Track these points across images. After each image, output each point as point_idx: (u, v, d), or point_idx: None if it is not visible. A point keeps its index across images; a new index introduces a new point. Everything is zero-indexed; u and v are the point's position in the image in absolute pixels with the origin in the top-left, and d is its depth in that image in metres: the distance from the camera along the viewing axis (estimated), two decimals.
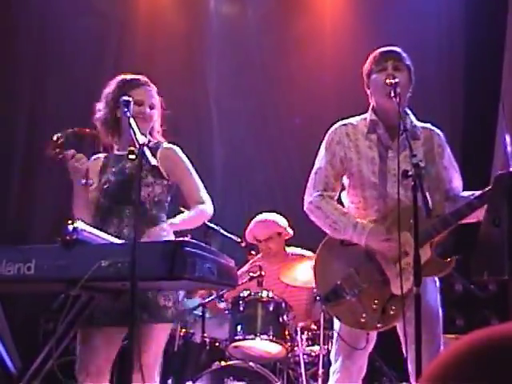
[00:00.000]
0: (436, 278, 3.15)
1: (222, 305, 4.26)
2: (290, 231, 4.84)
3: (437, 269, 2.99)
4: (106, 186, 3.14)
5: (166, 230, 2.98)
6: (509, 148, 2.81)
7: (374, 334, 3.11)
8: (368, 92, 3.22)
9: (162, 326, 3.02)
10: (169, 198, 3.22)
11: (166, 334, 3.11)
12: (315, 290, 3.18)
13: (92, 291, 2.56)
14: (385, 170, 3.06)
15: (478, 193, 2.95)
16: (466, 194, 3.14)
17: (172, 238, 2.98)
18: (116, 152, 3.26)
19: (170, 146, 3.26)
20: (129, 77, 3.28)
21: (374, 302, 2.99)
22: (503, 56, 6.00)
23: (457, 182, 3.19)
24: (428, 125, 3.27)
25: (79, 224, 2.51)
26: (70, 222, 2.51)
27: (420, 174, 2.62)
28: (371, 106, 3.20)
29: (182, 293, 3.18)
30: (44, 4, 6.24)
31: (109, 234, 2.81)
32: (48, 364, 2.55)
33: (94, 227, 2.69)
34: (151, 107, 3.22)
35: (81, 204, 3.07)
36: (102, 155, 3.29)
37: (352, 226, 3.01)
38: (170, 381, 4.25)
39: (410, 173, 2.66)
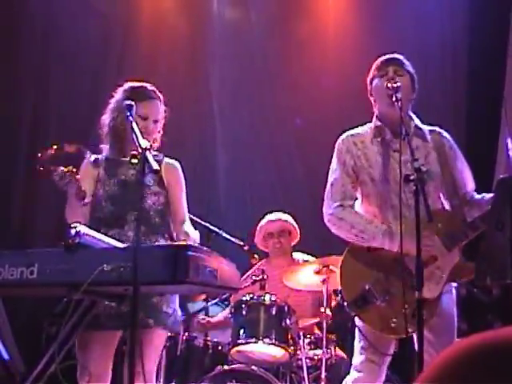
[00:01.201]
0: (453, 290, 3.14)
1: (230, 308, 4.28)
2: (298, 234, 4.87)
3: (465, 273, 2.97)
4: (110, 191, 3.15)
5: None
6: (511, 152, 2.80)
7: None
8: (372, 100, 3.25)
9: (162, 332, 3.07)
10: (169, 209, 3.26)
11: (164, 339, 3.17)
12: (339, 297, 3.10)
13: (94, 295, 2.57)
14: (399, 176, 3.00)
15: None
16: (478, 196, 3.16)
17: None
18: (116, 157, 3.26)
19: (173, 161, 3.33)
20: (136, 85, 3.30)
21: (405, 307, 2.93)
22: (506, 60, 6.01)
23: (471, 184, 3.20)
24: (435, 128, 3.29)
25: (81, 228, 2.52)
26: (72, 225, 2.52)
27: (422, 179, 2.64)
28: (375, 114, 3.23)
29: (177, 302, 3.19)
30: (47, 6, 6.26)
31: (110, 235, 2.87)
32: (51, 368, 2.55)
33: (95, 229, 2.72)
34: (155, 121, 3.25)
35: (74, 212, 3.01)
36: (99, 156, 3.29)
37: (381, 234, 3.00)
38: None
39: (411, 177, 2.66)
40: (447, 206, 3.13)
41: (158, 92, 3.31)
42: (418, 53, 6.41)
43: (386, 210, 3.09)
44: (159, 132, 3.32)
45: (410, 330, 2.95)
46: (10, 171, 5.95)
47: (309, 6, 6.96)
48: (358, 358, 3.10)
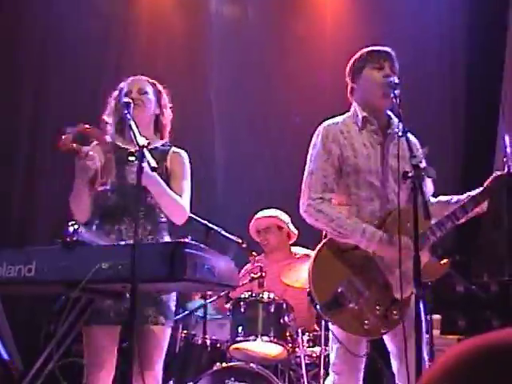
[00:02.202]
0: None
1: (229, 305, 4.28)
2: (293, 229, 4.86)
3: (432, 273, 2.96)
4: (119, 184, 3.14)
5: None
6: (508, 149, 2.80)
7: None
8: (352, 86, 3.19)
9: (168, 326, 3.09)
10: None
11: (169, 335, 3.16)
12: (310, 299, 3.02)
13: (92, 293, 2.56)
14: (382, 169, 3.04)
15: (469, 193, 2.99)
16: (444, 198, 3.17)
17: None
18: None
19: (180, 150, 3.30)
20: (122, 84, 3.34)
21: (376, 308, 2.94)
22: (504, 57, 6.01)
23: (428, 188, 3.17)
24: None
25: (79, 225, 2.52)
26: (70, 223, 2.52)
27: (420, 176, 2.63)
28: (358, 103, 3.15)
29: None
30: (46, 5, 6.26)
31: (117, 229, 2.96)
32: (49, 366, 2.56)
33: (98, 220, 2.70)
34: (140, 92, 3.23)
35: (80, 202, 3.04)
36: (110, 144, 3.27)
37: (360, 232, 2.93)
38: (171, 382, 4.26)
39: (410, 174, 2.66)
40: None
41: (146, 77, 3.33)
42: (416, 48, 6.42)
43: (366, 204, 3.03)
44: (162, 111, 3.32)
45: (383, 331, 2.96)
46: (9, 171, 5.95)
47: (306, 3, 6.97)
48: (334, 361, 3.08)
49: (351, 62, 3.21)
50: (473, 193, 3.03)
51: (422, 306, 2.89)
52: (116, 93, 3.30)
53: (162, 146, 3.28)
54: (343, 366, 3.03)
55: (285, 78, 6.65)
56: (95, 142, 3.02)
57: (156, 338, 2.99)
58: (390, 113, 3.13)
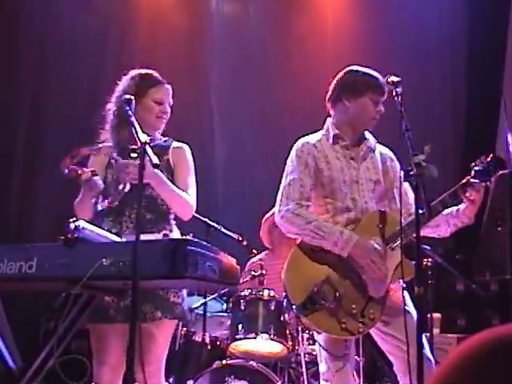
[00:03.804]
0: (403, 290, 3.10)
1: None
2: None
3: (406, 272, 2.92)
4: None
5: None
6: (511, 147, 2.79)
7: (351, 341, 3.08)
8: (334, 103, 3.27)
9: (171, 322, 3.07)
10: None
11: (173, 329, 3.15)
12: (285, 299, 3.03)
13: (93, 290, 2.56)
14: (355, 180, 3.13)
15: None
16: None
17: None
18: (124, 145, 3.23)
19: (182, 144, 3.30)
20: (144, 72, 3.31)
21: (353, 307, 2.95)
22: (505, 54, 6.01)
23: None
24: (383, 148, 3.33)
25: (81, 222, 2.51)
26: (71, 220, 2.51)
27: (422, 174, 2.62)
28: (332, 122, 3.24)
29: (185, 291, 3.19)
30: (44, 3, 6.25)
31: (119, 222, 2.98)
32: (49, 363, 2.55)
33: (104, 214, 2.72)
34: (169, 106, 3.26)
35: (84, 208, 3.06)
36: (109, 144, 3.28)
37: (338, 233, 2.97)
38: (171, 380, 4.24)
39: (411, 172, 2.65)
40: (387, 209, 3.15)
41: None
42: (417, 48, 6.41)
43: (341, 211, 3.09)
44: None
45: (360, 330, 2.95)
46: (7, 170, 5.94)
47: (307, 1, 6.96)
48: (322, 367, 3.09)
49: (351, 76, 3.24)
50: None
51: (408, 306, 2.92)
52: (127, 83, 3.28)
53: (164, 141, 3.28)
54: (331, 371, 3.03)
55: (286, 77, 6.65)
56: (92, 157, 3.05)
57: (154, 334, 2.97)
58: (368, 135, 3.27)
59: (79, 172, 2.88)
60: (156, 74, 3.31)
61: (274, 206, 4.99)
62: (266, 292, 4.12)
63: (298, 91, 6.54)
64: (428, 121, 5.95)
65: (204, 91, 6.53)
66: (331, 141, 3.19)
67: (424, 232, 2.95)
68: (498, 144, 5.58)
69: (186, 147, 3.30)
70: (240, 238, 4.55)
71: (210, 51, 6.66)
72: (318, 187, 3.13)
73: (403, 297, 3.00)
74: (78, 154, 2.94)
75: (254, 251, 4.72)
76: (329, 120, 3.28)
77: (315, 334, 3.11)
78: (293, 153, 3.21)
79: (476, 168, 2.92)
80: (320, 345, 3.06)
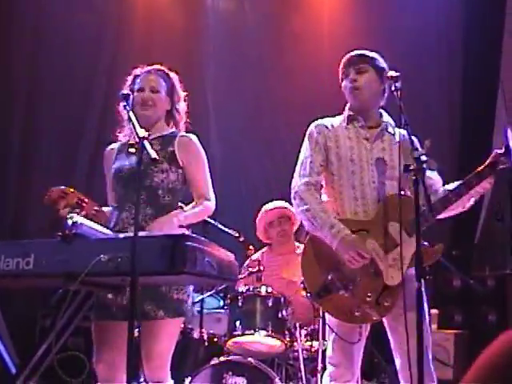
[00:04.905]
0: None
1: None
2: (298, 221, 4.83)
3: (427, 258, 2.90)
4: (120, 173, 3.12)
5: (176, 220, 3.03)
6: (511, 142, 2.77)
7: (367, 327, 3.10)
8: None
9: (176, 320, 3.03)
10: (183, 187, 3.19)
11: (179, 327, 3.13)
12: (303, 286, 3.09)
13: (91, 286, 2.53)
14: (364, 159, 3.12)
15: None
16: (451, 186, 3.13)
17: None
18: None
19: (188, 134, 3.26)
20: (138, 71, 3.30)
21: (368, 295, 2.96)
22: (501, 55, 6.02)
23: (435, 181, 3.17)
24: (403, 131, 3.25)
25: (78, 218, 2.48)
26: (69, 216, 2.48)
27: (422, 169, 2.59)
28: (348, 105, 3.30)
29: (191, 286, 3.16)
30: (39, 2, 6.21)
31: (121, 218, 2.98)
32: (47, 360, 2.52)
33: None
34: (152, 90, 3.20)
35: None
36: (115, 145, 3.28)
37: (329, 226, 3.00)
38: None
39: (411, 167, 2.62)
40: (407, 192, 3.10)
41: (163, 69, 3.31)
42: (413, 43, 6.41)
43: (348, 189, 3.10)
44: (175, 107, 3.30)
45: (374, 318, 2.97)
46: (3, 170, 5.91)
47: None
48: (330, 352, 3.11)
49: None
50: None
51: (424, 297, 2.88)
52: (129, 81, 3.26)
53: (171, 133, 3.24)
54: (339, 357, 3.06)
55: (282, 74, 6.62)
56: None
57: (156, 333, 2.94)
58: (381, 111, 3.25)
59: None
60: (144, 68, 3.30)
61: (266, 203, 5.04)
62: (263, 288, 4.10)
63: (293, 88, 6.53)
64: (425, 120, 5.92)
65: (200, 89, 6.49)
66: (346, 122, 3.23)
67: (450, 211, 3.00)
68: (493, 142, 5.58)
69: (193, 137, 3.25)
70: (237, 234, 4.52)
71: (205, 49, 6.63)
72: (329, 165, 3.17)
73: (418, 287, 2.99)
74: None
75: (251, 248, 4.69)
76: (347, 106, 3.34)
77: (327, 316, 3.11)
78: (306, 134, 3.29)
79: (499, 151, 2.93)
80: (331, 329, 3.06)
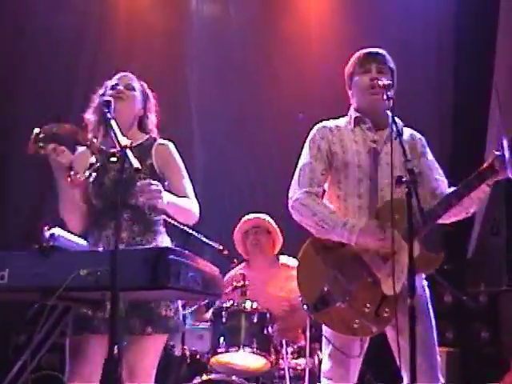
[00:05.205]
0: (425, 284, 3.11)
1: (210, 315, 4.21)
2: (280, 237, 4.83)
3: (427, 265, 2.94)
4: (99, 188, 3.07)
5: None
6: (507, 153, 2.78)
7: (367, 340, 3.08)
8: (349, 93, 3.29)
9: (163, 336, 3.03)
10: None
11: (164, 343, 3.11)
12: (300, 299, 3.06)
13: (70, 301, 2.50)
14: (373, 165, 3.08)
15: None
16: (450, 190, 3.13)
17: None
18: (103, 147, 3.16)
19: (165, 142, 3.25)
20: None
21: (366, 306, 2.94)
22: (494, 52, 6.06)
23: (442, 183, 3.17)
24: (411, 130, 3.30)
25: (56, 230, 2.46)
26: (46, 227, 2.45)
27: (415, 181, 2.59)
28: (353, 107, 3.26)
29: (180, 302, 3.14)
30: (19, 1, 6.20)
31: (105, 236, 2.91)
32: (21, 379, 2.49)
33: (87, 229, 2.70)
34: (127, 87, 3.20)
35: (68, 206, 3.00)
36: (85, 150, 3.15)
37: (342, 224, 2.97)
38: None
39: (404, 179, 2.62)
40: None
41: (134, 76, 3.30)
42: (401, 48, 6.44)
43: (352, 197, 3.08)
44: (147, 115, 3.29)
45: (373, 330, 2.95)
46: None
47: (290, 2, 6.96)
48: (326, 365, 3.09)
49: (347, 68, 3.29)
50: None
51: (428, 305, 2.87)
52: (101, 90, 3.24)
53: (146, 140, 3.23)
54: (335, 370, 3.04)
55: (267, 79, 6.63)
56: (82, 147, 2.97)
57: (143, 349, 2.92)
58: (389, 113, 3.13)
59: (43, 148, 2.78)
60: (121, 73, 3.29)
61: (251, 210, 5.02)
62: (248, 303, 4.08)
63: (278, 93, 6.53)
64: (416, 121, 5.94)
65: (182, 92, 6.50)
66: (352, 124, 3.20)
67: (452, 216, 2.99)
68: (486, 150, 5.61)
69: (170, 145, 3.25)
70: (221, 247, 4.50)
71: (189, 52, 6.63)
72: (333, 172, 3.14)
73: (422, 295, 3.00)
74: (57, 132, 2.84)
75: (235, 261, 4.67)
76: (352, 107, 3.29)
77: (325, 328, 3.09)
78: (308, 138, 3.24)
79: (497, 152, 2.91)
80: (329, 341, 3.04)
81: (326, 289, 2.97)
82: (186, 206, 3.09)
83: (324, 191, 3.19)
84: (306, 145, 3.22)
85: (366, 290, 2.97)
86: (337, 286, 2.97)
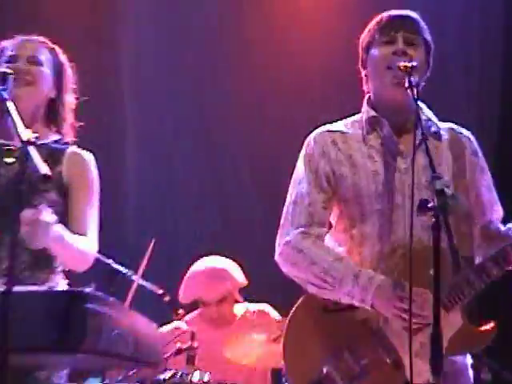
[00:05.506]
0: (468, 362, 3.07)
1: None
2: (239, 281, 4.83)
3: (471, 343, 2.93)
4: None
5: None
6: None
7: None
8: (363, 74, 3.17)
9: None
10: None
11: None
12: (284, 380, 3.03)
13: None
14: (398, 190, 2.97)
15: None
16: (504, 228, 3.10)
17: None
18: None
19: (82, 152, 3.28)
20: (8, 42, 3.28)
21: None
22: None
23: (497, 211, 3.13)
24: (453, 125, 3.19)
25: None
26: None
27: (445, 207, 2.42)
28: (367, 98, 3.16)
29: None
30: None
31: None
32: None
33: None
34: (31, 61, 3.19)
35: None
36: None
37: (352, 276, 2.87)
38: None
39: (430, 204, 2.46)
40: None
41: (47, 42, 3.32)
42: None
43: (371, 239, 2.98)
44: (61, 97, 3.30)
45: None
46: None
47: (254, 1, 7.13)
48: None
49: (362, 37, 3.17)
50: None
51: None
52: None
53: (56, 142, 3.19)
54: None
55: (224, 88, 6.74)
56: None
57: None
58: (422, 106, 3.04)
59: None
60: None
61: (199, 244, 4.99)
62: (196, 375, 4.02)
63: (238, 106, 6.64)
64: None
65: (112, 75, 6.58)
66: (365, 129, 3.07)
67: None
68: None
69: (89, 157, 3.28)
70: (161, 291, 4.42)
71: (122, 17, 6.79)
72: (341, 203, 3.05)
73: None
74: None
75: (181, 311, 4.61)
76: (365, 100, 3.19)
77: None
78: (302, 151, 3.15)
79: None
80: None
81: (325, 370, 2.91)
82: (80, 247, 3.10)
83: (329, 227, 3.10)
84: (301, 162, 3.13)
85: (383, 375, 2.88)
86: (341, 367, 2.89)
